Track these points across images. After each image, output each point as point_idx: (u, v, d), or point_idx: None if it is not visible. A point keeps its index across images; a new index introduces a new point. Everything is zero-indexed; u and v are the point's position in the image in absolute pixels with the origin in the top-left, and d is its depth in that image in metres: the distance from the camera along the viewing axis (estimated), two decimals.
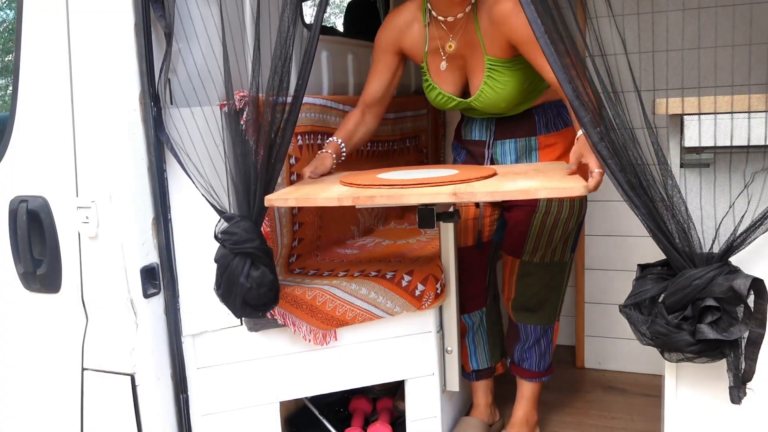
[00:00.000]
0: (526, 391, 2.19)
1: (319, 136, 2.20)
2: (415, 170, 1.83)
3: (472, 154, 2.13)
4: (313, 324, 1.85)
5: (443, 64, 1.97)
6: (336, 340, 1.90)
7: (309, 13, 3.01)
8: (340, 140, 1.99)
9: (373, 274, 1.94)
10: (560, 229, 2.00)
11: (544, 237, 2.01)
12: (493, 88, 1.91)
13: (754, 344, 1.26)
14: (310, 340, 1.85)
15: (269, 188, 1.61)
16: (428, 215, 1.74)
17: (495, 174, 1.67)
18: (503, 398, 2.37)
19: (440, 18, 1.92)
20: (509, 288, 2.12)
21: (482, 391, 2.27)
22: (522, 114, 2.02)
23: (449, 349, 2.05)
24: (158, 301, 1.74)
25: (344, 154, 1.99)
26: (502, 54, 1.89)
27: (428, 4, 1.94)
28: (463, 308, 2.17)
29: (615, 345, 2.65)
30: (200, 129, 1.71)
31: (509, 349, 2.23)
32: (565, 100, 1.49)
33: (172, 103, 1.70)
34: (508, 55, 1.88)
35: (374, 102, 2.07)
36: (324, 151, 1.96)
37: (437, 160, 3.10)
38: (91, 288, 1.73)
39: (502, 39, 1.86)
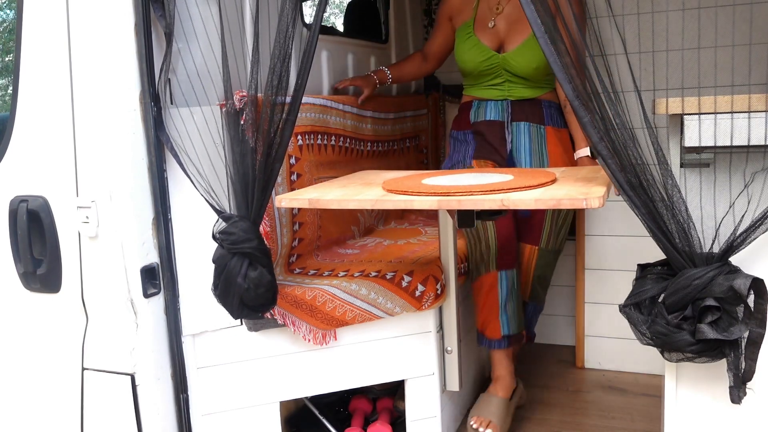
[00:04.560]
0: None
1: (319, 136, 2.20)
2: (461, 175, 1.77)
3: (483, 136, 2.28)
4: (313, 324, 1.85)
5: (494, 21, 2.26)
6: (336, 340, 1.90)
7: (309, 13, 3.01)
8: (388, 71, 2.47)
9: (373, 274, 1.94)
10: (563, 216, 2.18)
11: (557, 224, 2.16)
12: (531, 49, 2.16)
13: (754, 344, 1.25)
14: (309, 340, 1.85)
15: (268, 188, 1.61)
16: (468, 214, 1.73)
17: (555, 180, 1.60)
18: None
19: None
20: (527, 272, 2.27)
21: (507, 359, 2.26)
22: (533, 101, 2.26)
23: (449, 349, 2.05)
24: (158, 301, 1.74)
25: (389, 81, 2.48)
26: None
27: None
28: (500, 265, 2.19)
29: (615, 345, 2.65)
30: (200, 129, 1.71)
31: None
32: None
33: (172, 103, 1.70)
34: None
35: (435, 53, 2.48)
36: (370, 73, 2.43)
37: (437, 159, 3.10)
38: (91, 288, 1.73)
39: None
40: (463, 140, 2.32)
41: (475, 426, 2.14)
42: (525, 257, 2.27)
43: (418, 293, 1.91)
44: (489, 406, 2.18)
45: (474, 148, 2.28)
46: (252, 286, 1.59)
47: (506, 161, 2.27)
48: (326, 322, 1.85)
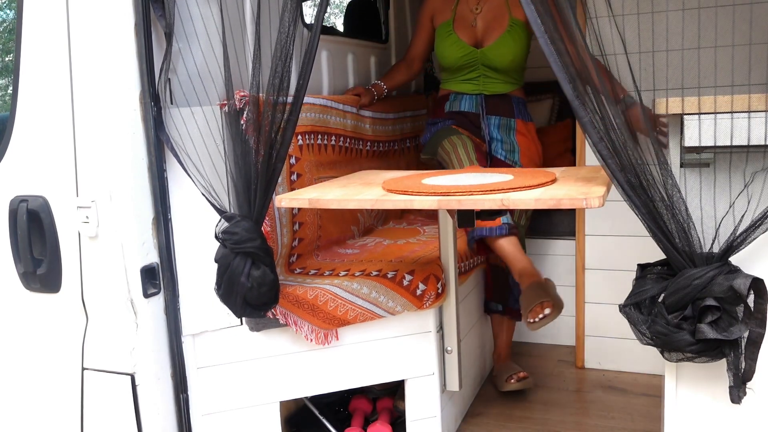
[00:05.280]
0: (507, 325, 2.56)
1: (320, 136, 2.20)
2: (461, 175, 1.78)
3: (459, 123, 2.54)
4: (314, 323, 1.85)
5: (475, 20, 2.52)
6: (337, 339, 1.90)
7: (309, 13, 3.01)
8: (383, 84, 2.64)
9: (375, 273, 1.94)
10: None
11: None
12: (507, 43, 2.46)
13: (754, 344, 1.25)
14: (311, 340, 1.85)
15: (270, 188, 1.62)
16: (468, 214, 1.73)
17: (555, 180, 1.61)
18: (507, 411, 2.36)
19: None
20: None
21: (520, 252, 2.25)
22: (503, 96, 2.55)
23: (449, 349, 2.05)
24: (158, 301, 1.74)
25: (385, 93, 2.64)
26: (523, 18, 2.42)
27: None
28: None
29: (615, 345, 2.65)
30: (200, 129, 1.71)
31: (503, 299, 2.51)
32: None
33: (172, 103, 1.70)
34: (527, 21, 2.38)
35: (419, 54, 2.69)
36: (368, 87, 2.59)
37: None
38: (91, 288, 1.73)
39: None
40: (441, 123, 2.58)
41: (532, 320, 2.09)
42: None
43: (419, 292, 1.91)
44: (534, 294, 2.11)
45: (453, 122, 2.55)
46: (255, 285, 1.60)
47: (486, 149, 2.54)
48: (328, 322, 1.85)
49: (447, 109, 2.60)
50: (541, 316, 2.08)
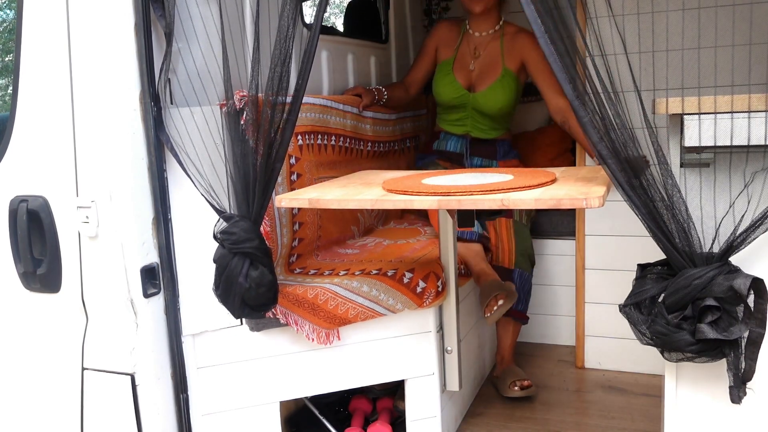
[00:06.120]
0: (513, 327, 2.53)
1: (319, 136, 2.20)
2: (461, 175, 1.79)
3: (443, 159, 2.69)
4: (315, 323, 1.84)
5: (473, 64, 2.65)
6: (339, 339, 1.90)
7: (309, 13, 3.01)
8: (384, 90, 2.65)
9: (374, 272, 1.94)
10: None
11: None
12: (497, 91, 2.58)
13: (754, 344, 1.25)
14: (313, 340, 1.85)
15: (269, 188, 1.61)
16: (468, 214, 1.73)
17: (555, 180, 1.61)
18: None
19: (475, 34, 2.67)
20: (509, 242, 2.47)
21: (481, 258, 2.34)
22: (488, 141, 2.68)
23: (449, 349, 2.05)
24: (158, 301, 1.74)
25: (385, 98, 2.65)
26: (514, 68, 2.60)
27: (467, 24, 2.70)
28: None
29: (615, 345, 2.65)
30: (200, 129, 1.71)
31: None
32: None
33: (172, 103, 1.71)
34: (518, 71, 2.62)
35: (417, 80, 2.79)
36: (369, 88, 2.61)
37: None
38: (91, 288, 1.73)
39: (517, 56, 2.59)
40: (428, 158, 2.73)
41: (489, 314, 2.17)
42: (503, 230, 2.48)
43: (419, 290, 1.91)
44: (488, 290, 2.20)
45: (437, 158, 2.70)
46: (253, 285, 1.59)
47: None
48: (329, 321, 1.85)
49: (435, 147, 2.73)
50: (495, 308, 2.17)
